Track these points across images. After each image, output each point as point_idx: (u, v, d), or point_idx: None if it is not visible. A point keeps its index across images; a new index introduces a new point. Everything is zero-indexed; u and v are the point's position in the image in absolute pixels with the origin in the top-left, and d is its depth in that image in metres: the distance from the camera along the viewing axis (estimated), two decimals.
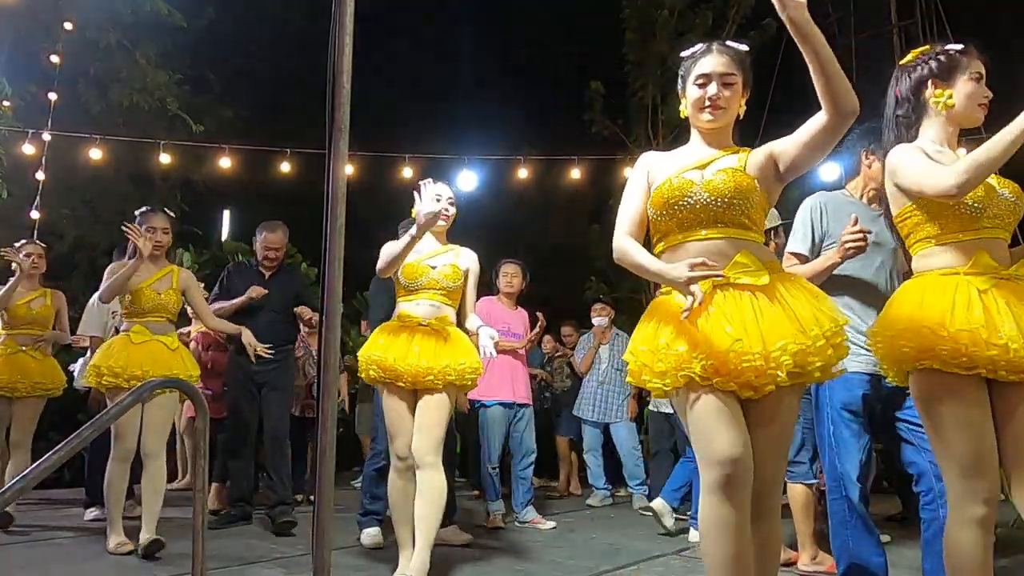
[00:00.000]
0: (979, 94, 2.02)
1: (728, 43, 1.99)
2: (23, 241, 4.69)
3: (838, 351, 1.81)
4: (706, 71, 1.94)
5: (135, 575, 3.27)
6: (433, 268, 3.18)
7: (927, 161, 1.93)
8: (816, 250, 2.65)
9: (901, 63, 2.14)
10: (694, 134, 2.06)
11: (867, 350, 2.46)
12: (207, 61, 10.62)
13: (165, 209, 4.04)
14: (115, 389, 3.58)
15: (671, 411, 4.96)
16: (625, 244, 2.00)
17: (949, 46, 2.05)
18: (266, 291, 4.44)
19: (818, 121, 1.78)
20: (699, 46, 2.00)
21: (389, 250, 3.06)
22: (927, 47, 2.12)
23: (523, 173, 8.43)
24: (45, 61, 7.86)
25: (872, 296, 2.59)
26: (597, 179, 9.54)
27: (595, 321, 6.09)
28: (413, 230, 2.95)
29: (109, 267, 3.89)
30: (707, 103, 1.94)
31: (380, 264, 3.07)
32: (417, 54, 13.25)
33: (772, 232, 3.73)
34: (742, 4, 10.45)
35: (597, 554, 3.85)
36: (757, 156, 1.94)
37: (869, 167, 2.77)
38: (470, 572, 3.42)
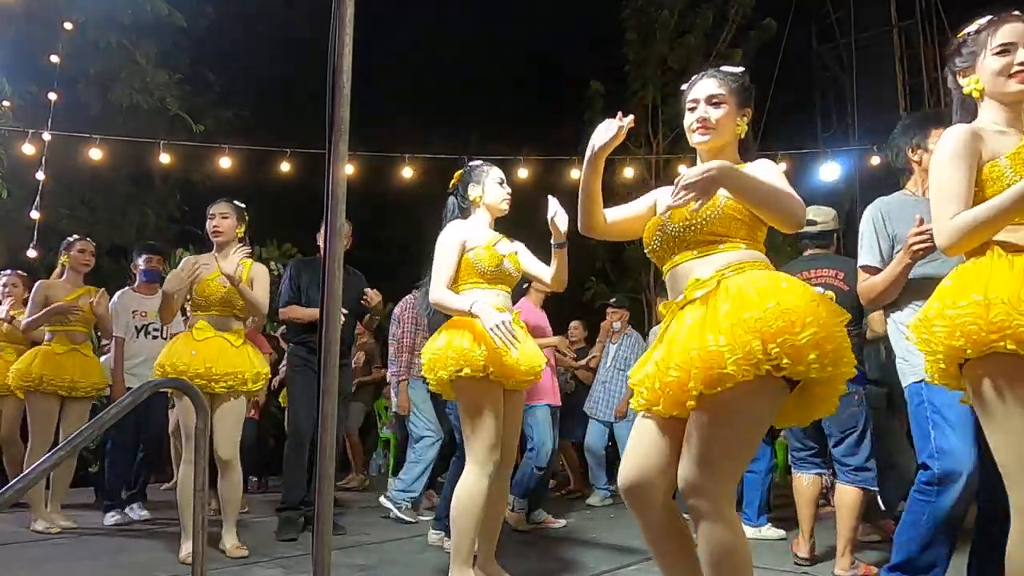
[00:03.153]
0: (1006, 66, 1.86)
1: (721, 68, 2.06)
2: (75, 237, 4.62)
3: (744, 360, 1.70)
4: (695, 96, 2.04)
5: (136, 575, 3.28)
6: (504, 257, 2.99)
7: (955, 186, 1.81)
8: (888, 258, 2.61)
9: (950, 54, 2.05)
10: (698, 158, 2.09)
11: None
12: (207, 61, 10.61)
13: (233, 201, 3.82)
14: None
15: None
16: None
17: (969, 28, 1.97)
18: (379, 295, 4.34)
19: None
20: (695, 77, 2.08)
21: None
22: (959, 36, 2.01)
23: (523, 173, 8.43)
24: (45, 61, 7.86)
25: None
26: None
27: (613, 326, 6.06)
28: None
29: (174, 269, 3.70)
30: (696, 125, 2.02)
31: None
32: (417, 53, 13.23)
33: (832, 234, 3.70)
34: (742, 4, 10.45)
35: (597, 554, 3.85)
36: None
37: (919, 162, 2.70)
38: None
